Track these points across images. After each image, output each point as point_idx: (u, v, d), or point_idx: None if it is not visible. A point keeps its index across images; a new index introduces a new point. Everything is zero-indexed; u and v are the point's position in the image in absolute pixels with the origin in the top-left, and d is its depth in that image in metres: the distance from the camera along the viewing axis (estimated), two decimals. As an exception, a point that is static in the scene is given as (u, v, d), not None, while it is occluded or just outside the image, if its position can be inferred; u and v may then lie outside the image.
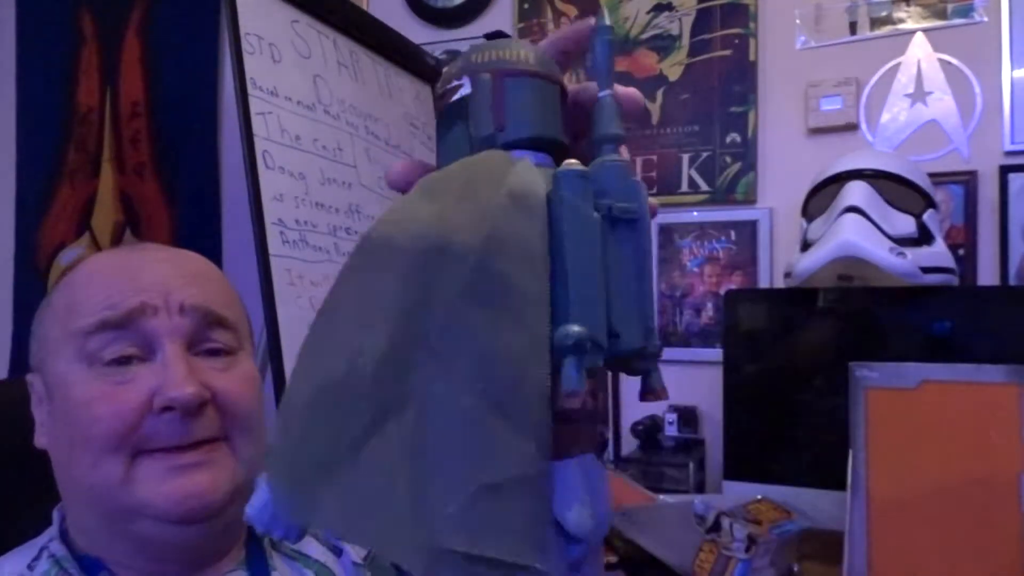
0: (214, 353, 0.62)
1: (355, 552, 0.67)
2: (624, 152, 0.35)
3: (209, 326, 0.62)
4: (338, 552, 0.67)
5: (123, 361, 0.58)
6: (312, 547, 0.66)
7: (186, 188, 2.18)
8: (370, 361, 0.31)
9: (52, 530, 0.63)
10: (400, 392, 0.31)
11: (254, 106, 1.20)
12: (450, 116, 0.38)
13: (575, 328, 0.31)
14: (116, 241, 2.25)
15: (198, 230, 2.14)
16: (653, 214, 0.37)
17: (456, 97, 0.37)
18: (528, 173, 0.34)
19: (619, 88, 0.36)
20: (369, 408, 0.31)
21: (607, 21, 0.35)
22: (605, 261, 0.33)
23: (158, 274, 0.62)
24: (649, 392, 0.35)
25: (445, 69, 0.38)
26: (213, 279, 0.66)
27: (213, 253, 2.10)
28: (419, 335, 0.31)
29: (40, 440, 0.63)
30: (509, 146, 0.36)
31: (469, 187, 0.33)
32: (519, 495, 0.30)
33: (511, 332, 0.31)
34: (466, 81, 0.36)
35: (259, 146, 1.19)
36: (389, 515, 0.31)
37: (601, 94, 0.36)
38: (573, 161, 0.34)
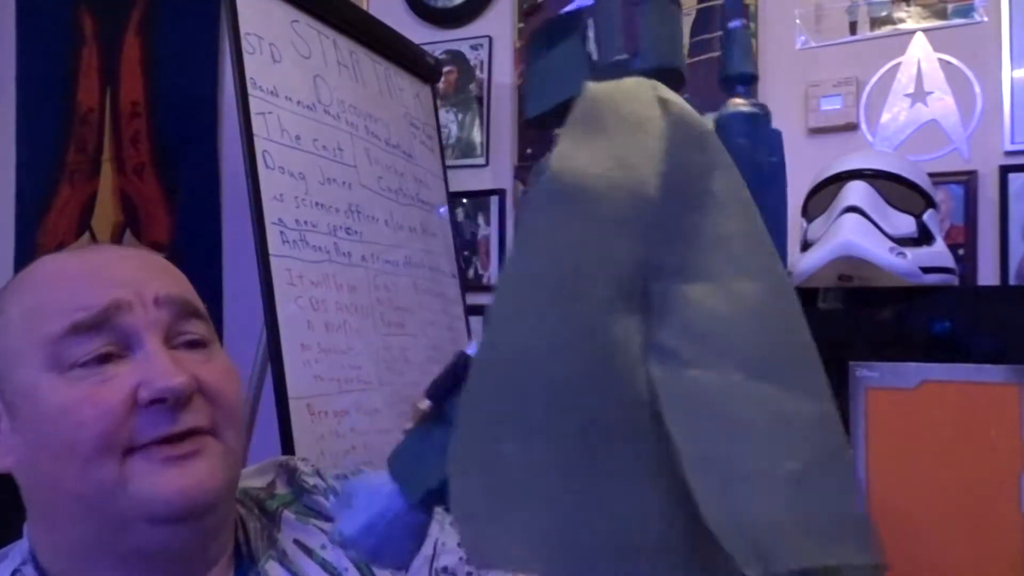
0: (192, 345, 0.60)
1: None
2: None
3: (185, 317, 0.60)
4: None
5: (101, 360, 0.55)
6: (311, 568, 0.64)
7: (186, 188, 2.18)
8: (596, 347, 0.25)
9: (23, 550, 0.59)
10: (633, 387, 0.25)
11: (254, 106, 1.20)
12: (557, 29, 0.32)
13: None
14: (116, 241, 2.24)
15: (198, 230, 2.13)
16: None
17: (571, 8, 0.32)
18: (686, 106, 0.29)
19: None
20: (591, 415, 0.25)
21: None
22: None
23: (126, 269, 0.59)
24: None
25: None
26: (177, 271, 0.64)
27: (213, 253, 2.10)
28: (644, 305, 0.26)
29: (3, 461, 0.58)
30: (636, 74, 0.31)
31: (638, 123, 0.28)
32: (830, 475, 0.25)
33: (751, 283, 0.27)
34: None
35: (259, 146, 1.19)
36: (635, 540, 0.24)
37: (732, 24, 0.32)
38: (740, 101, 0.30)
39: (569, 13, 0.32)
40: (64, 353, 0.54)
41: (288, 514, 0.66)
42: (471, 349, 0.29)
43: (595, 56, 0.31)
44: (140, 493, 0.53)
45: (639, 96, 0.29)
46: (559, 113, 0.29)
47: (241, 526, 0.65)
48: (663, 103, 0.29)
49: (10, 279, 0.62)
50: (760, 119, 0.30)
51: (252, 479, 0.70)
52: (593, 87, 0.29)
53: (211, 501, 0.56)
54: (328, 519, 0.67)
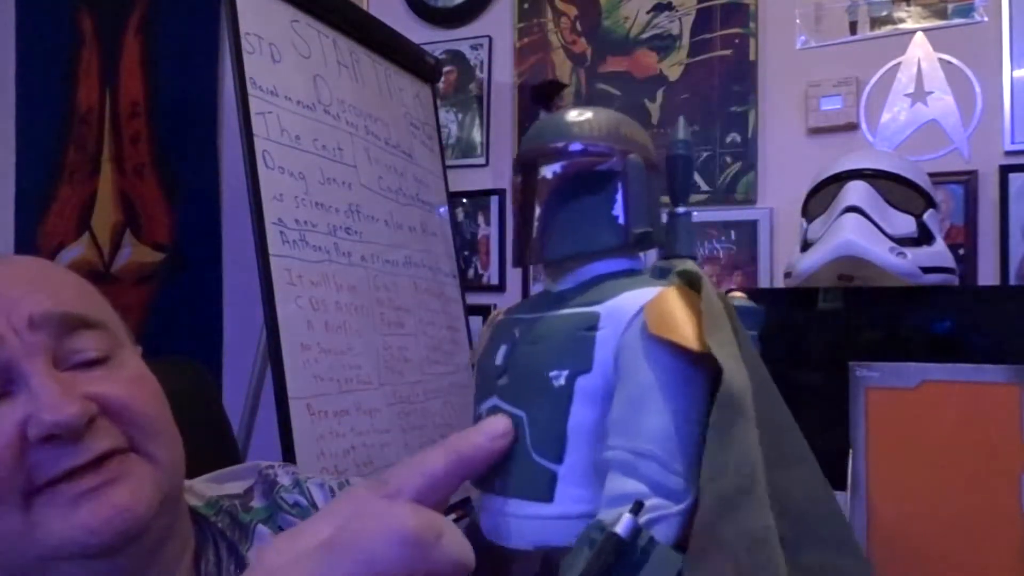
0: (88, 365, 0.52)
1: None
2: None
3: (71, 333, 0.52)
4: None
5: None
6: None
7: (186, 188, 2.18)
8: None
9: None
10: None
11: (254, 106, 1.20)
12: (583, 183, 0.35)
13: None
14: (116, 241, 2.25)
15: (198, 230, 2.14)
16: None
17: (603, 168, 0.34)
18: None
19: None
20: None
21: (681, 134, 0.35)
22: None
23: None
24: None
25: (570, 122, 0.34)
26: (57, 278, 0.56)
27: (213, 253, 2.10)
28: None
29: None
30: (643, 241, 0.35)
31: (721, 318, 0.34)
32: None
33: (809, 469, 0.37)
34: (617, 157, 0.34)
35: (259, 146, 1.19)
36: None
37: (681, 210, 0.37)
38: (739, 294, 0.36)
39: (604, 172, 0.35)
40: None
41: (263, 528, 0.63)
42: (622, 530, 0.30)
43: (620, 221, 0.35)
44: (51, 537, 0.48)
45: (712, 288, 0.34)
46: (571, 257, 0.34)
47: (213, 547, 0.61)
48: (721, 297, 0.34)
49: None
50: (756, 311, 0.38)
51: (228, 484, 0.67)
52: (706, 288, 0.34)
53: (140, 526, 0.50)
54: None
